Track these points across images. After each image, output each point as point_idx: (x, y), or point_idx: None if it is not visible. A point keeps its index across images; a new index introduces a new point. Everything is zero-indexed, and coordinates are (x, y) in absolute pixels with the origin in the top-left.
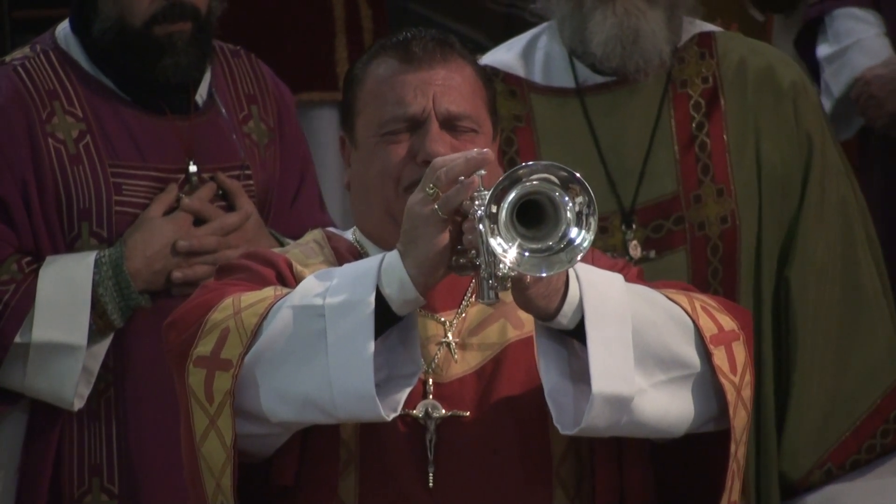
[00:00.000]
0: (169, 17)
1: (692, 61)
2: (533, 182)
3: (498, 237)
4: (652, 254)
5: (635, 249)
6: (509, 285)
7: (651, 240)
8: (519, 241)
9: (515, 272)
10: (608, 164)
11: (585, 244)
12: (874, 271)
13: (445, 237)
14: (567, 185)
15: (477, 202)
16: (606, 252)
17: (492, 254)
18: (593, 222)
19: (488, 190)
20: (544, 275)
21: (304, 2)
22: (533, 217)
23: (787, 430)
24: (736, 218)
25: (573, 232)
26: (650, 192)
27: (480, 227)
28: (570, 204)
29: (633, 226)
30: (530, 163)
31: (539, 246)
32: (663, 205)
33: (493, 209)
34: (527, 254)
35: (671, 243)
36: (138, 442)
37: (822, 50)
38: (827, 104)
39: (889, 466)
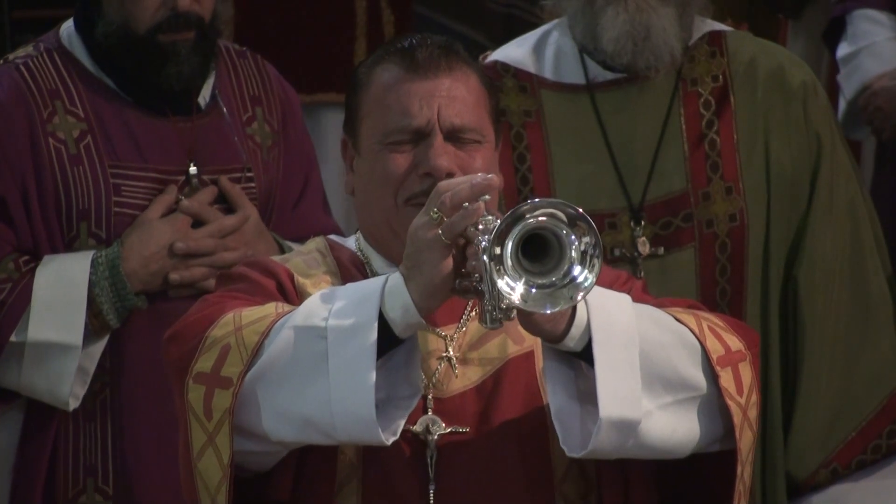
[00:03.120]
0: (173, 26)
1: (703, 60)
2: (538, 219)
3: (505, 277)
4: (660, 251)
5: (644, 246)
6: (513, 315)
7: (659, 237)
8: (525, 277)
9: (524, 308)
10: (618, 161)
11: (587, 283)
12: (881, 272)
13: (449, 263)
14: (574, 222)
15: (481, 227)
16: (615, 249)
17: (498, 290)
18: (597, 263)
19: (492, 215)
20: (548, 311)
21: (327, 4)
22: (537, 249)
23: (794, 430)
24: (744, 216)
25: (576, 270)
26: (659, 189)
27: (485, 258)
28: (576, 243)
29: (642, 222)
30: (535, 200)
31: (544, 281)
32: (672, 202)
33: (497, 251)
34: (533, 290)
35: (679, 240)
36: (133, 443)
37: (841, 50)
38: (842, 104)
39: (895, 467)
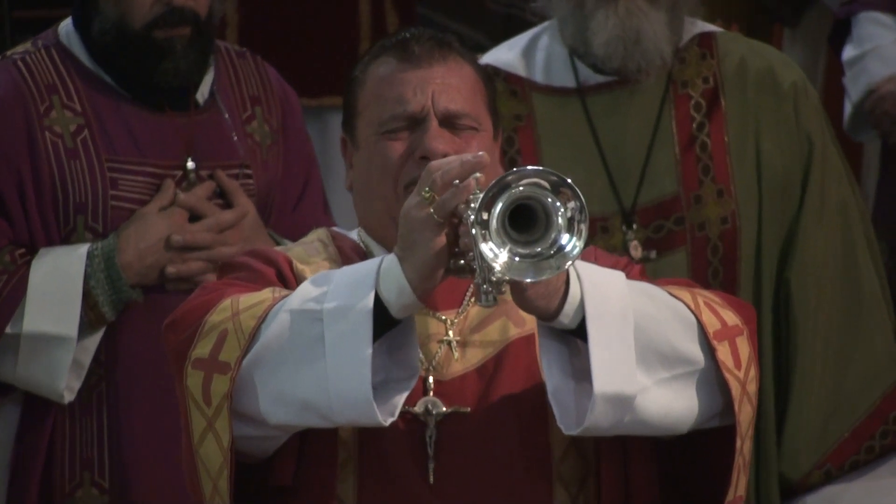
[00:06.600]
0: (169, 21)
1: (693, 62)
2: (521, 188)
3: (489, 242)
4: (652, 254)
5: (636, 250)
6: (505, 289)
7: (651, 240)
8: (510, 245)
9: (507, 277)
10: (609, 165)
11: (575, 252)
12: (874, 273)
13: (442, 241)
14: (558, 189)
15: (472, 206)
16: None
17: (484, 259)
18: (584, 229)
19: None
20: (529, 280)
21: (331, 7)
22: (527, 222)
23: (787, 431)
24: (736, 218)
25: (564, 238)
26: (651, 192)
27: (473, 231)
28: (562, 209)
29: (634, 226)
30: (520, 168)
31: (528, 251)
32: (664, 205)
33: (484, 216)
34: (517, 259)
35: (671, 244)
36: (129, 436)
37: (846, 52)
38: (847, 107)
39: (888, 467)
